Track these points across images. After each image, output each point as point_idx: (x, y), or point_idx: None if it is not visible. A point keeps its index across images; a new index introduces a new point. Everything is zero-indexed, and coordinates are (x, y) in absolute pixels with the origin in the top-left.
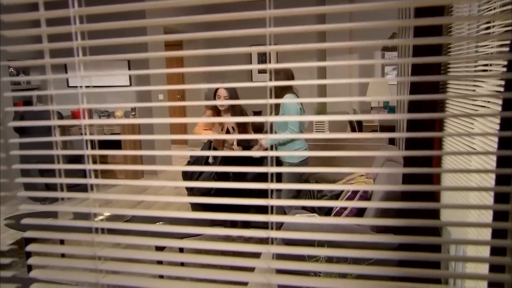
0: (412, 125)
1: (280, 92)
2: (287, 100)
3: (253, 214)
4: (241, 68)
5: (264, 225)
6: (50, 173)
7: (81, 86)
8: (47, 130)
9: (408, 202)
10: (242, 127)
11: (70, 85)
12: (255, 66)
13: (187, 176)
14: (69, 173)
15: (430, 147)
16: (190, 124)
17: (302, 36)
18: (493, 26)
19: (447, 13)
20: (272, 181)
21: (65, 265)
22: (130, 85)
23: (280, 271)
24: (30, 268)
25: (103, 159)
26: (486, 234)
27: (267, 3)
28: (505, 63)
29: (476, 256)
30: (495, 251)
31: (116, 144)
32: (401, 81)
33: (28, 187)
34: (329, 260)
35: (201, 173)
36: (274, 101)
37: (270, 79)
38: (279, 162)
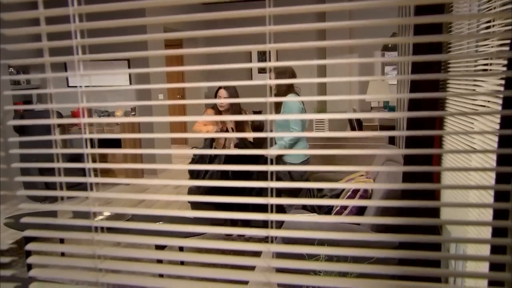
0: (412, 124)
1: (284, 92)
2: (289, 98)
3: (253, 213)
4: (240, 67)
5: (264, 225)
6: (50, 172)
7: (80, 86)
8: (47, 130)
9: (408, 201)
10: (241, 130)
11: (70, 85)
12: (255, 65)
13: (193, 175)
14: (69, 172)
15: (430, 146)
16: (190, 123)
17: (302, 34)
18: (493, 26)
19: (447, 12)
20: (272, 179)
21: (65, 264)
22: (130, 85)
23: (280, 270)
24: (29, 267)
25: (103, 159)
26: (486, 232)
27: (267, 2)
28: (505, 62)
29: (476, 254)
30: (495, 249)
31: (116, 145)
32: (401, 81)
33: (28, 186)
34: (329, 259)
35: (207, 171)
36: (274, 99)
37: (270, 78)
38: (282, 163)
